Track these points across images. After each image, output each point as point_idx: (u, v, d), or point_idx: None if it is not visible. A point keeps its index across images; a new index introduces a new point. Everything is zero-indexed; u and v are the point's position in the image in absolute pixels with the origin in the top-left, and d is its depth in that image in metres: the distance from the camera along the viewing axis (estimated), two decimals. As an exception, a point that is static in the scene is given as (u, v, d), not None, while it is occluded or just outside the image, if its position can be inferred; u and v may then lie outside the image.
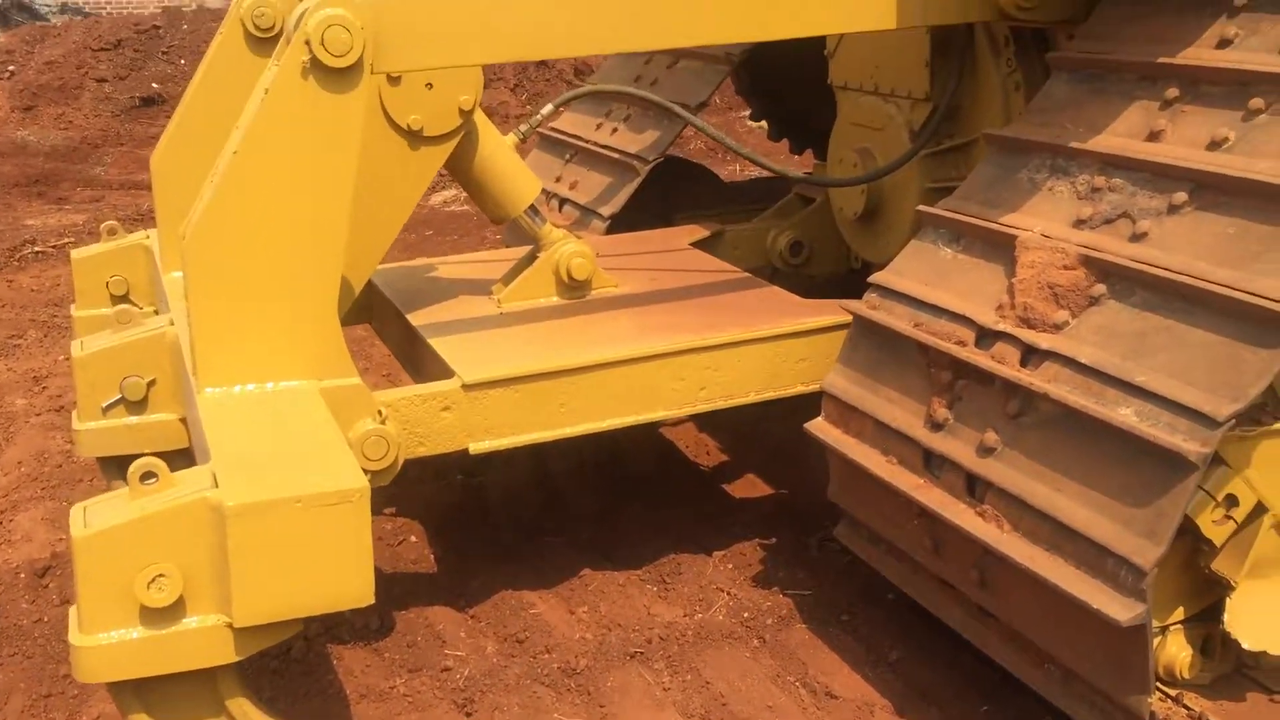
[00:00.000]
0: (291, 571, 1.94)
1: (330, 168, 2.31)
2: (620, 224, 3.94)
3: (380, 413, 2.46)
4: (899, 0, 2.73)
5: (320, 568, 1.96)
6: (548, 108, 3.19)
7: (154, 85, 10.44)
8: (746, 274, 3.40)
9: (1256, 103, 2.22)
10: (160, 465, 1.95)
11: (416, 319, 3.04)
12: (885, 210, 3.48)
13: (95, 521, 1.90)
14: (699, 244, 3.77)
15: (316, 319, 2.37)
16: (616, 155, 4.10)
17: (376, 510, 3.18)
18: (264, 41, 3.10)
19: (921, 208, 2.71)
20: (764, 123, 5.09)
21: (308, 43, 2.23)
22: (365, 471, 2.29)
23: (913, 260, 2.68)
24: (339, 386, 2.40)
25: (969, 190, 2.68)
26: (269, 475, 1.99)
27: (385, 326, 3.33)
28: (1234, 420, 1.91)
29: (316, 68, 2.25)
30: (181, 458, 2.83)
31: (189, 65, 10.33)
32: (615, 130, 4.27)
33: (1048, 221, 2.43)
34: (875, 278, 2.71)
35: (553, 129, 4.60)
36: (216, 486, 1.94)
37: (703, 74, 4.14)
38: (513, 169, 3.07)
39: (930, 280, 2.59)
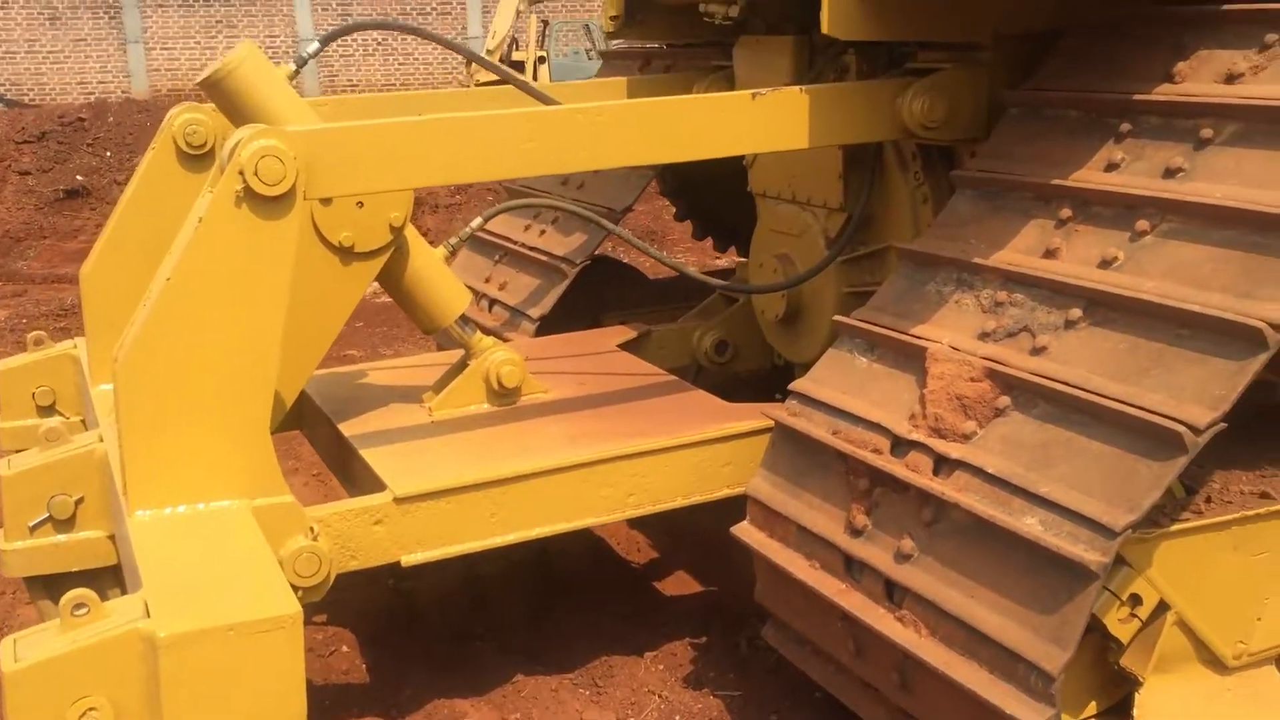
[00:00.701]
0: (224, 698, 1.96)
1: (263, 291, 2.37)
2: (549, 325, 4.03)
3: (312, 529, 2.49)
4: (812, 122, 2.89)
5: (253, 694, 1.98)
6: (476, 221, 3.28)
7: (79, 178, 10.41)
8: (672, 377, 3.49)
9: (1142, 225, 2.37)
10: (92, 596, 1.96)
11: (348, 429, 3.08)
12: (804, 313, 3.60)
13: (26, 655, 1.90)
14: (627, 345, 3.86)
15: (249, 439, 2.40)
16: (545, 258, 4.20)
17: (307, 620, 3.17)
18: (195, 158, 3.18)
19: (838, 318, 2.83)
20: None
21: (241, 173, 2.29)
22: (297, 589, 2.33)
23: (830, 369, 2.79)
24: (271, 505, 2.43)
25: (882, 301, 2.80)
26: (201, 603, 2.01)
27: (317, 434, 3.36)
28: (1130, 529, 2.01)
29: (250, 196, 2.31)
30: (110, 575, 2.84)
31: (115, 158, 10.33)
32: (543, 232, 4.38)
33: (955, 334, 2.55)
34: (795, 385, 2.81)
35: (483, 230, 4.68)
36: (148, 616, 1.96)
37: (628, 178, 4.26)
38: (442, 281, 3.14)
39: (847, 389, 2.69)
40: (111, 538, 2.81)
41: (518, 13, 19.42)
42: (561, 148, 2.64)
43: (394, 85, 26.55)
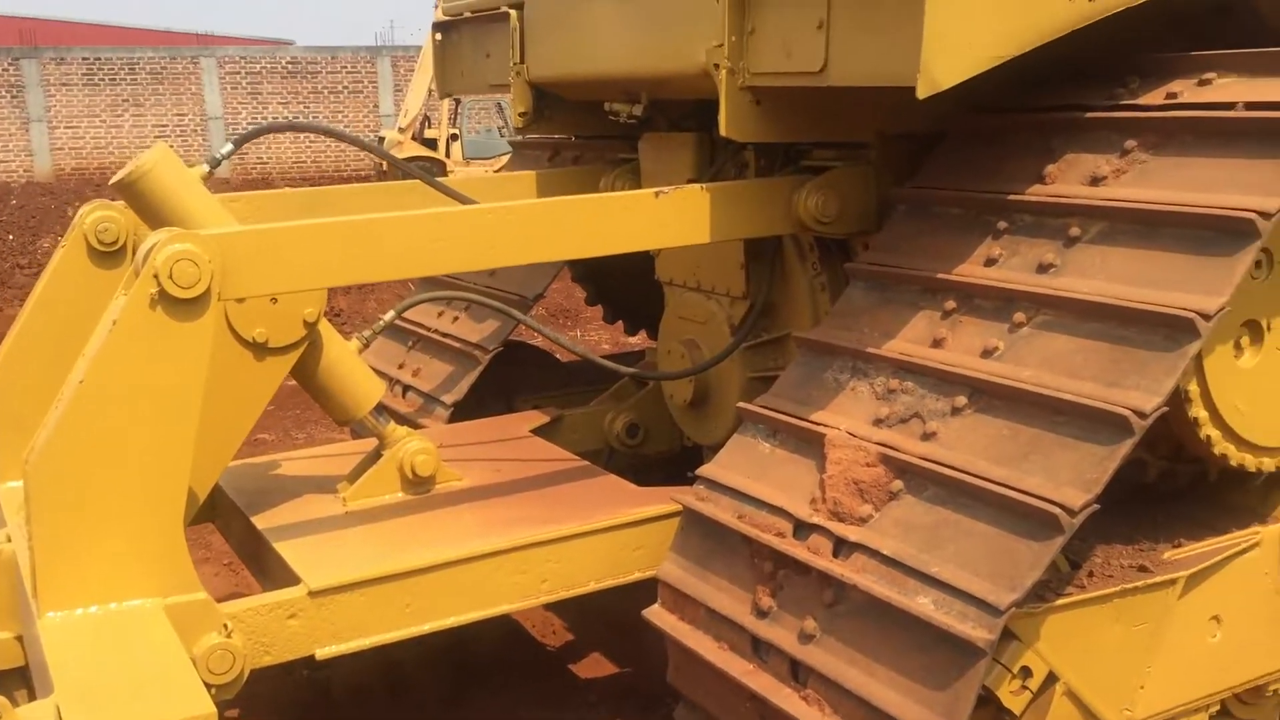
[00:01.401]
0: (138, 802, 1.96)
1: (177, 391, 2.40)
2: (463, 410, 4.09)
3: (225, 626, 2.51)
4: (713, 218, 3.03)
5: (167, 796, 1.99)
6: (390, 314, 3.34)
7: (-20, 260, 10.23)
8: (584, 462, 3.57)
9: (1019, 317, 2.53)
10: (4, 704, 1.97)
11: (261, 521, 3.10)
12: (712, 398, 3.72)
13: (-66, 765, 1.90)
14: (540, 430, 3.94)
15: (162, 538, 2.42)
16: (458, 344, 4.28)
17: (221, 715, 3.16)
18: (107, 255, 3.20)
19: (742, 405, 2.94)
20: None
21: (156, 276, 2.34)
22: (210, 687, 2.34)
23: (735, 454, 2.90)
24: (184, 603, 2.45)
25: (783, 388, 2.93)
26: (114, 706, 2.02)
27: (230, 526, 3.36)
28: (1014, 607, 2.14)
29: (164, 299, 2.36)
30: (16, 677, 2.81)
31: (18, 241, 10.16)
32: (457, 319, 4.46)
33: (851, 420, 2.68)
34: (702, 471, 2.91)
35: (407, 319, 4.74)
36: (61, 721, 1.97)
37: (540, 265, 4.37)
38: (356, 373, 3.20)
39: (752, 473, 2.80)
40: (19, 639, 2.79)
41: (430, 91, 19.62)
42: (471, 246, 2.73)
43: (304, 163, 26.53)
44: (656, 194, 2.96)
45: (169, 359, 2.38)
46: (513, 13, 3.88)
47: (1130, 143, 2.60)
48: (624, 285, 4.79)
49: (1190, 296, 2.26)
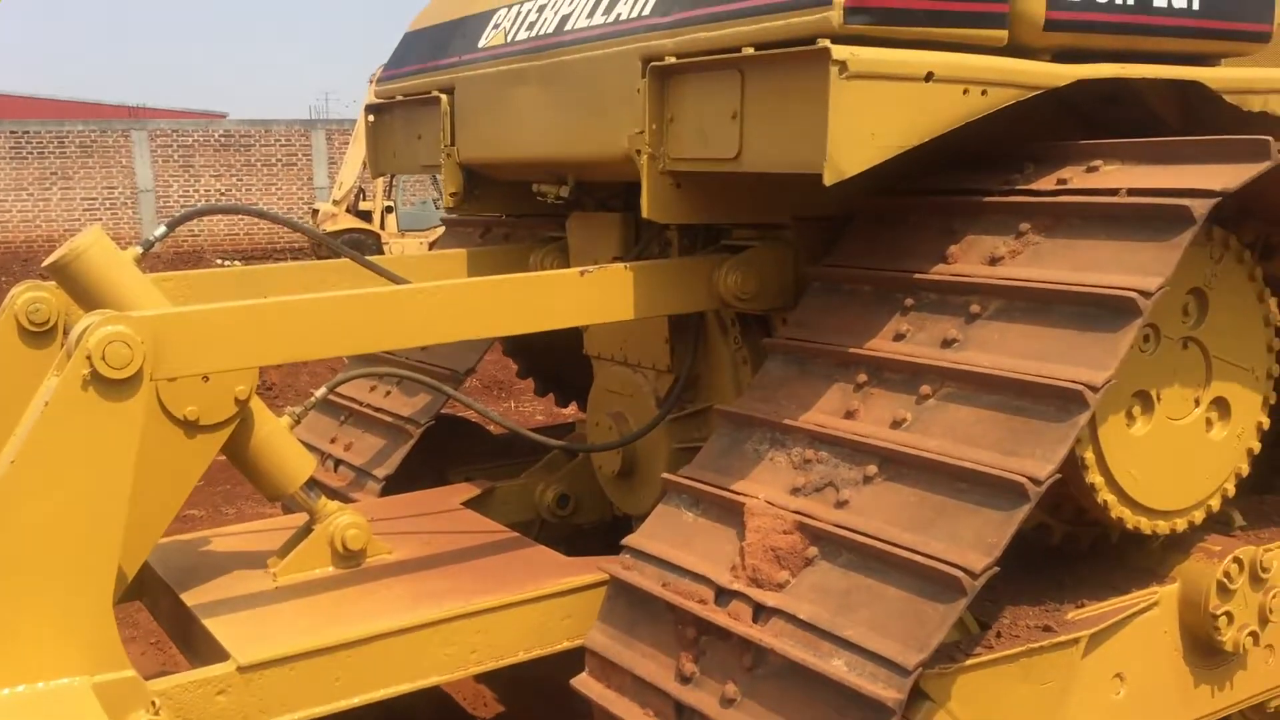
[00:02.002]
0: None
1: (108, 471, 2.45)
2: (395, 484, 4.13)
3: (154, 704, 2.53)
4: (636, 296, 3.15)
5: None
6: (322, 391, 3.40)
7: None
8: (514, 533, 3.63)
9: (925, 389, 2.67)
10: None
11: (190, 598, 3.11)
12: (639, 469, 3.81)
13: None
14: (471, 502, 4.00)
15: (91, 617, 2.45)
16: (390, 418, 4.33)
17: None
18: (38, 335, 3.24)
19: (666, 476, 3.04)
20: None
21: (88, 358, 2.40)
22: (139, 765, 2.36)
23: (660, 523, 2.99)
24: (112, 681, 2.47)
25: (705, 459, 3.03)
26: (43, 784, 2.04)
27: (158, 605, 3.36)
28: (922, 667, 2.24)
29: (97, 380, 2.41)
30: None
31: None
32: (389, 394, 4.51)
33: (769, 489, 2.78)
34: (628, 540, 2.99)
35: (339, 394, 4.79)
36: (-12, 801, 1.98)
37: (472, 340, 4.45)
38: (287, 449, 3.24)
39: (676, 542, 2.89)
40: (-58, 721, 2.77)
41: (364, 164, 19.72)
42: (399, 325, 2.82)
43: (237, 236, 26.43)
44: (581, 273, 3.08)
45: (100, 439, 2.43)
46: (443, 97, 4.01)
47: (1025, 225, 2.77)
48: (554, 359, 4.89)
49: (1079, 370, 2.41)
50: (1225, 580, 2.96)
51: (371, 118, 4.62)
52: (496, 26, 3.88)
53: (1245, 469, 3.00)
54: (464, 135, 3.96)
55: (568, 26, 3.46)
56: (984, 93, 2.70)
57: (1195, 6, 3.04)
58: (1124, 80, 3.03)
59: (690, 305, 3.30)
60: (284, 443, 3.24)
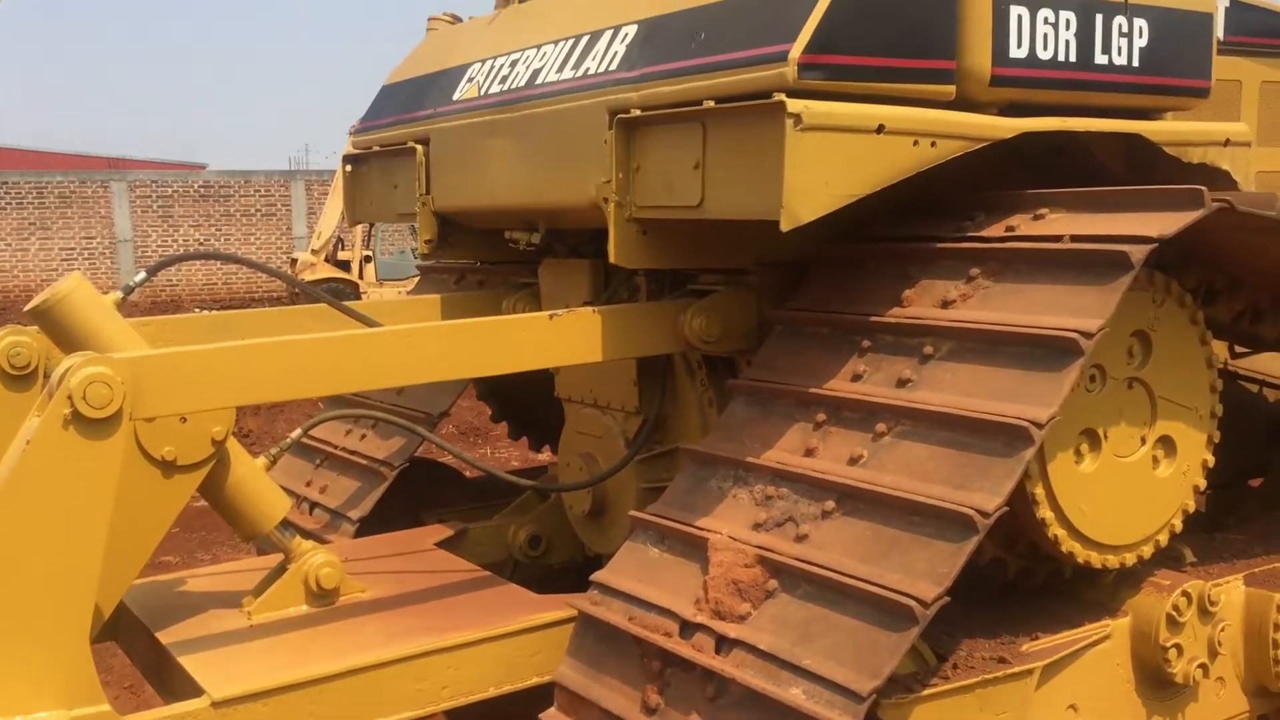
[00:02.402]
0: None
1: (87, 510, 2.52)
2: (370, 526, 4.20)
3: (130, 737, 2.58)
4: (604, 339, 3.25)
5: None
6: (297, 433, 3.48)
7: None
8: (486, 573, 3.70)
9: (881, 427, 2.77)
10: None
11: (165, 636, 3.16)
12: (609, 509, 3.89)
13: None
14: (444, 543, 4.06)
15: (68, 652, 2.50)
16: (365, 461, 4.40)
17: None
18: (19, 379, 3.30)
19: (633, 513, 3.12)
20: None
21: (70, 398, 2.48)
22: (113, 798, 2.40)
23: (626, 560, 3.06)
24: (89, 714, 2.52)
25: (671, 497, 3.12)
26: (20, 812, 2.09)
27: (134, 645, 3.41)
28: (875, 694, 2.32)
29: (77, 419, 2.49)
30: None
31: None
32: (364, 437, 4.58)
33: (732, 525, 2.87)
34: (596, 576, 3.06)
35: (305, 435, 4.85)
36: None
37: (445, 384, 4.54)
38: (263, 489, 3.31)
39: (642, 578, 2.97)
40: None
41: (343, 214, 19.81)
42: (377, 367, 2.91)
43: (215, 285, 26.48)
44: (550, 316, 3.18)
45: (80, 477, 2.50)
46: (419, 148, 4.13)
47: (975, 270, 2.89)
48: (527, 403, 4.97)
49: (1025, 407, 2.51)
50: (1174, 613, 3.05)
51: (349, 168, 4.73)
52: (470, 80, 4.01)
53: (1192, 505, 3.10)
54: (439, 184, 4.07)
55: (538, 80, 3.59)
56: (933, 144, 2.83)
57: (1136, 64, 3.19)
58: (1070, 133, 3.17)
59: (656, 348, 3.40)
60: (259, 483, 3.31)
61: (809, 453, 2.89)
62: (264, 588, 3.35)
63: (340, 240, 20.92)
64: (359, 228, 20.89)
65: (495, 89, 3.81)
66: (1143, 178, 3.33)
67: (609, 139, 3.15)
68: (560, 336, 3.18)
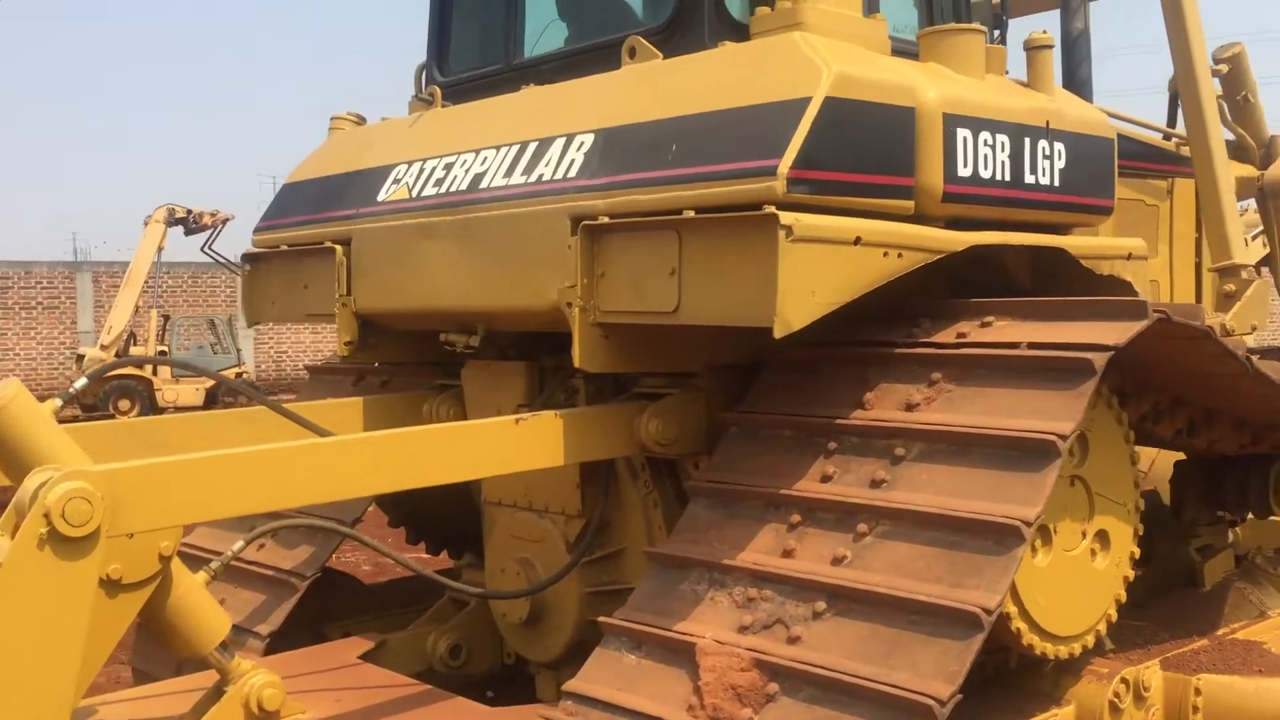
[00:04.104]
0: None
1: (62, 637, 2.34)
2: (273, 641, 3.99)
3: None
4: (566, 442, 3.25)
5: None
6: (239, 544, 3.30)
7: None
8: (425, 685, 3.58)
9: (862, 527, 2.85)
10: None
11: (100, 771, 2.92)
12: (547, 614, 3.83)
13: None
14: (365, 656, 3.90)
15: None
16: (270, 572, 4.19)
17: None
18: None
19: (603, 619, 3.09)
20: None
21: (47, 515, 2.30)
22: None
23: (600, 668, 3.02)
24: None
25: (640, 601, 3.10)
26: None
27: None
28: (901, 793, 2.37)
29: (54, 539, 2.32)
30: None
31: None
32: (263, 546, 4.36)
33: (715, 628, 2.88)
34: (569, 686, 3.01)
35: (189, 547, 4.59)
36: None
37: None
38: (204, 607, 3.11)
39: (621, 685, 2.93)
40: None
41: (136, 308, 18.98)
42: (351, 475, 2.82)
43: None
44: (517, 420, 3.15)
45: (56, 603, 2.33)
46: (338, 248, 4.05)
47: (936, 375, 3.04)
48: (432, 508, 4.85)
49: (1011, 506, 2.65)
50: (1115, 700, 3.23)
51: (248, 266, 4.58)
52: (398, 181, 3.97)
53: (1124, 596, 3.31)
54: (363, 285, 3.99)
55: (483, 185, 3.60)
56: (900, 255, 2.99)
57: (1056, 184, 3.46)
58: (987, 246, 3.38)
59: (613, 451, 3.42)
60: (200, 601, 3.11)
61: (787, 554, 2.94)
62: (201, 711, 3.14)
63: (133, 334, 19.86)
64: (154, 321, 20.03)
65: (430, 191, 3.79)
66: (1048, 288, 3.58)
67: (573, 245, 3.19)
68: (524, 440, 3.16)
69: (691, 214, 2.92)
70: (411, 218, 3.80)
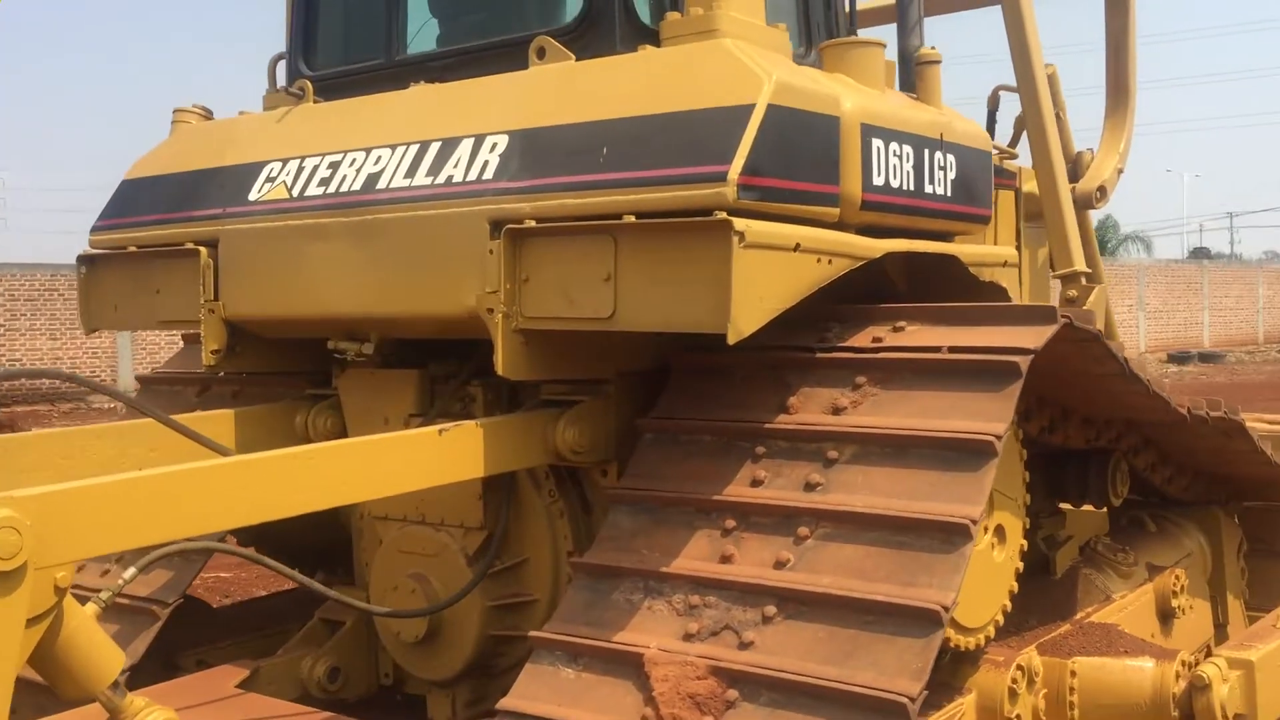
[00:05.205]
0: None
1: (-13, 682, 2.07)
2: (133, 677, 3.68)
3: None
4: (486, 453, 3.15)
5: None
6: (131, 571, 3.01)
7: None
8: (324, 713, 3.38)
9: (803, 531, 2.89)
10: None
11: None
12: (445, 631, 3.68)
13: None
14: (243, 685, 3.65)
15: None
16: (125, 600, 3.86)
17: None
18: None
19: (534, 634, 3.00)
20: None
21: (-31, 548, 2.04)
22: None
23: (534, 683, 2.94)
24: None
25: (570, 613, 3.04)
26: None
27: None
28: (879, 790, 2.41)
29: (-21, 574, 2.06)
30: None
31: None
32: (106, 572, 4.03)
33: (659, 637, 2.85)
34: (504, 703, 2.91)
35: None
36: None
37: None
38: (95, 643, 2.83)
39: (562, 701, 2.86)
40: None
41: None
42: (282, 493, 2.65)
43: None
44: (440, 431, 3.03)
45: (-20, 644, 2.06)
46: (202, 250, 3.78)
47: (860, 379, 3.11)
48: (286, 525, 4.59)
49: (955, 505, 2.74)
50: (1014, 686, 3.39)
51: (84, 269, 4.21)
52: (272, 180, 3.75)
53: (1016, 587, 3.48)
54: (234, 290, 3.74)
55: (380, 185, 3.44)
56: (830, 262, 3.05)
57: (949, 194, 3.61)
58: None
59: (529, 460, 3.33)
60: (92, 636, 2.82)
61: (726, 559, 2.94)
62: (93, 758, 2.86)
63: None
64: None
65: (315, 191, 3.59)
66: (925, 294, 3.73)
67: (495, 249, 3.09)
68: (447, 452, 3.04)
69: (632, 219, 2.88)
70: (295, 218, 3.59)
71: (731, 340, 2.74)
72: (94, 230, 4.20)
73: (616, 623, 2.94)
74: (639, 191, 2.91)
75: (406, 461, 2.95)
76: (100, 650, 2.86)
